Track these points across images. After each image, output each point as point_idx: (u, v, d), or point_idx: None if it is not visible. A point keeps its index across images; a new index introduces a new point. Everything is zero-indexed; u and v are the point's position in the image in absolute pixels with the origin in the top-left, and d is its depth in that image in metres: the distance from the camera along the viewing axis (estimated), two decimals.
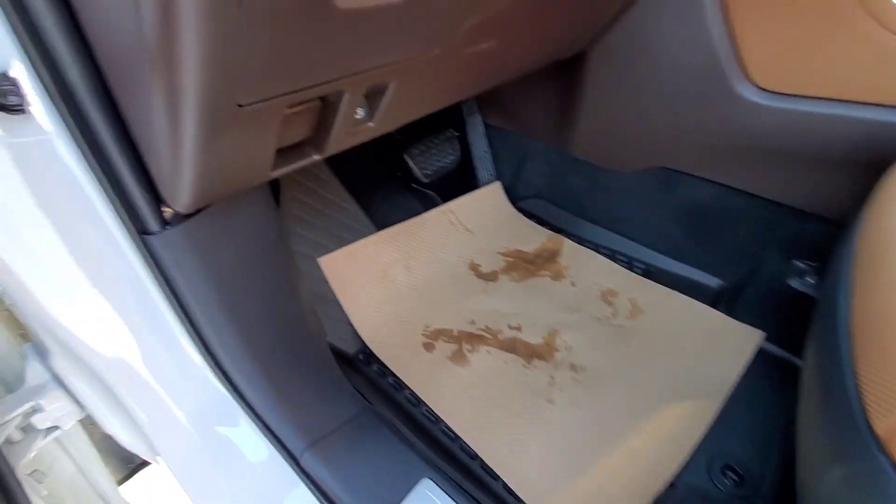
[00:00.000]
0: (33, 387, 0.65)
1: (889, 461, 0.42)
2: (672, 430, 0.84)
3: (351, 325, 1.03)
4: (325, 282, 1.05)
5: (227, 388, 0.69)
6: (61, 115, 0.49)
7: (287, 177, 1.04)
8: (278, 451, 0.70)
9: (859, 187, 0.74)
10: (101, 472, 0.83)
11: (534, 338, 1.03)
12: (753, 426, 0.89)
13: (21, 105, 0.49)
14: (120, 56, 0.45)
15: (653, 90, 1.02)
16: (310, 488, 0.68)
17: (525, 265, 1.22)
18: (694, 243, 1.13)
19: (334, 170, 1.28)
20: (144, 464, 0.98)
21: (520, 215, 1.36)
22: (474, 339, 1.03)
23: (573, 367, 0.96)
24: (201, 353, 0.67)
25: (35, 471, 0.68)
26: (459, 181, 1.39)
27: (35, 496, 0.65)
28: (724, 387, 0.92)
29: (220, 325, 0.66)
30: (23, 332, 0.74)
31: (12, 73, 0.48)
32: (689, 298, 1.09)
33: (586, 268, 1.20)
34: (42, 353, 0.66)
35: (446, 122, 1.38)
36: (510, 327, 1.05)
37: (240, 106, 0.45)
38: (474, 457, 0.83)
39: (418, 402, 0.91)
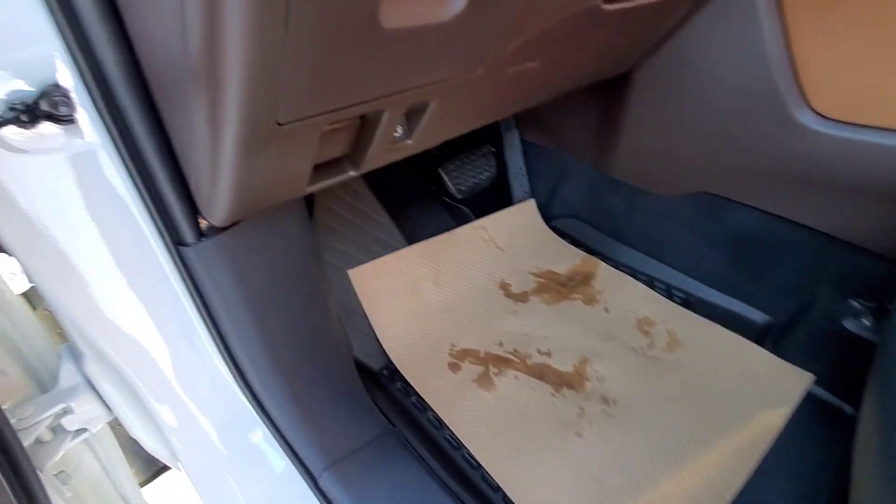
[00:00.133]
0: (65, 388, 0.66)
1: None
2: (709, 476, 0.79)
3: (377, 340, 1.02)
4: (354, 294, 1.04)
5: (251, 402, 0.69)
6: (107, 127, 0.50)
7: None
8: (297, 468, 0.69)
9: None
10: (125, 474, 0.84)
11: (564, 365, 0.99)
12: (798, 477, 0.82)
13: (71, 115, 0.50)
14: (165, 70, 0.45)
15: (701, 112, 0.98)
16: None
17: (557, 287, 1.19)
18: (739, 274, 1.07)
19: (368, 181, 1.28)
20: (167, 467, 0.99)
21: (554, 235, 1.33)
22: (501, 362, 1.00)
23: (604, 400, 0.92)
24: (227, 365, 0.66)
25: (61, 472, 0.69)
26: (493, 197, 1.36)
27: (58, 498, 0.66)
28: (767, 432, 0.86)
29: (248, 337, 0.66)
30: (60, 332, 0.76)
31: (64, 84, 0.48)
32: (732, 333, 1.03)
33: (622, 293, 1.16)
34: (76, 355, 0.67)
35: (483, 137, 1.36)
36: (539, 352, 1.02)
37: (279, 124, 0.45)
38: (496, 488, 0.80)
39: (441, 425, 0.89)
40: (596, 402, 0.92)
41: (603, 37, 0.77)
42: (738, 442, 0.84)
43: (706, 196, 1.07)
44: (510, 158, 1.36)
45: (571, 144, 1.30)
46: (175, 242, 0.58)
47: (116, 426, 0.79)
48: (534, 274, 1.22)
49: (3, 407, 0.64)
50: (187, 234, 0.58)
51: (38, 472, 0.64)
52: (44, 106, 0.48)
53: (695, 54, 0.93)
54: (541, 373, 0.97)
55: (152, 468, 0.97)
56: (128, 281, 0.59)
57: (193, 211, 0.57)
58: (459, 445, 0.85)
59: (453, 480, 0.81)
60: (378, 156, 0.63)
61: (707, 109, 0.97)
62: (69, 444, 0.67)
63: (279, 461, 0.70)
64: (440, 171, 1.28)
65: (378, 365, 1.00)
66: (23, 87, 0.47)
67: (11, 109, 0.46)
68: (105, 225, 0.55)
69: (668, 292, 1.15)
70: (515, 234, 1.29)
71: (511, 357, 1.01)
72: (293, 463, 0.69)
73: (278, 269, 0.69)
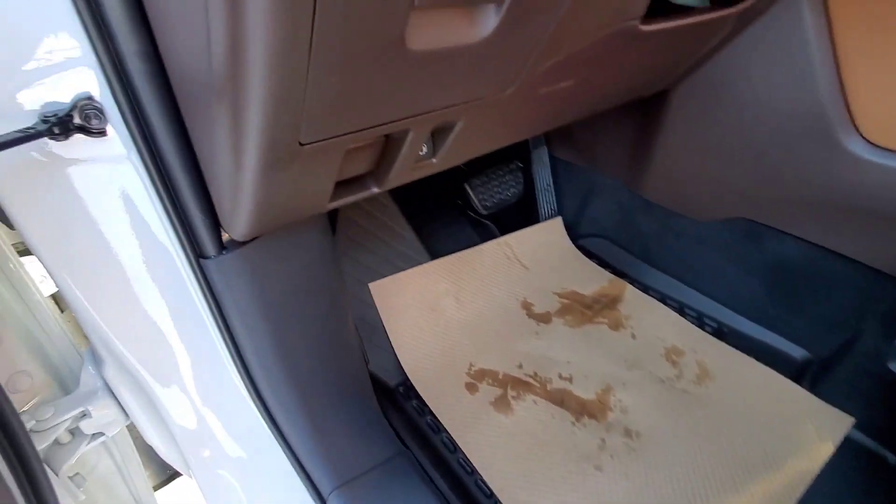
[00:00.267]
0: (86, 392, 0.67)
1: None
2: None
3: (395, 355, 1.00)
4: (374, 307, 1.04)
5: (263, 416, 0.68)
6: (134, 140, 0.50)
7: None
8: (306, 486, 0.68)
9: None
10: (139, 476, 0.85)
11: (586, 392, 0.95)
12: None
13: (102, 128, 0.50)
14: (191, 87, 0.45)
15: (742, 135, 0.93)
16: None
17: (581, 309, 1.15)
18: (777, 306, 1.02)
19: (392, 194, 1.27)
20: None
21: (580, 254, 1.29)
22: (521, 385, 0.97)
23: (627, 433, 0.88)
24: (242, 378, 0.66)
25: (76, 474, 0.70)
26: (520, 213, 1.34)
27: (71, 500, 0.67)
28: (802, 477, 0.80)
29: (264, 352, 0.65)
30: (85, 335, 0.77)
31: (97, 97, 0.49)
32: (768, 368, 0.97)
33: (649, 319, 1.11)
34: (97, 360, 0.67)
35: (511, 152, 1.34)
36: (560, 377, 0.98)
37: (301, 144, 0.44)
38: None
39: (455, 448, 0.86)
40: (618, 434, 0.88)
41: (640, 57, 0.74)
42: (769, 487, 0.79)
43: (744, 222, 1.02)
44: (538, 174, 1.34)
45: (602, 162, 1.27)
46: (196, 255, 0.58)
47: (133, 428, 0.80)
48: (558, 294, 1.19)
49: (24, 409, 0.66)
50: (209, 247, 0.58)
51: (53, 474, 0.65)
52: (76, 119, 0.49)
53: (737, 74, 0.90)
54: (561, 399, 0.94)
55: (167, 472, 0.98)
56: (148, 291, 0.59)
57: (216, 224, 0.57)
58: (473, 471, 0.83)
59: None
60: (402, 174, 0.62)
61: (748, 131, 0.93)
62: (86, 447, 0.68)
63: (289, 478, 0.69)
64: (466, 185, 1.26)
65: (394, 381, 0.99)
66: (56, 99, 0.47)
67: (44, 122, 0.47)
68: (128, 235, 0.55)
69: (700, 320, 1.10)
70: (540, 252, 1.26)
71: (531, 380, 0.98)
72: (302, 481, 0.68)
73: (298, 283, 0.68)
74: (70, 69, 0.47)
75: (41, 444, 0.63)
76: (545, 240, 1.29)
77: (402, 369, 0.99)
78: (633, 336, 1.08)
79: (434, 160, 0.65)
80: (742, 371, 0.98)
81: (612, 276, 1.23)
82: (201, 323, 0.63)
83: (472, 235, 1.29)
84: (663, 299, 1.16)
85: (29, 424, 0.61)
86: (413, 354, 1.01)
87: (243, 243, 0.60)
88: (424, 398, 0.93)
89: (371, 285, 1.05)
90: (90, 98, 0.50)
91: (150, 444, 0.75)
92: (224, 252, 0.59)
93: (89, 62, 0.47)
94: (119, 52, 0.46)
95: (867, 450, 0.87)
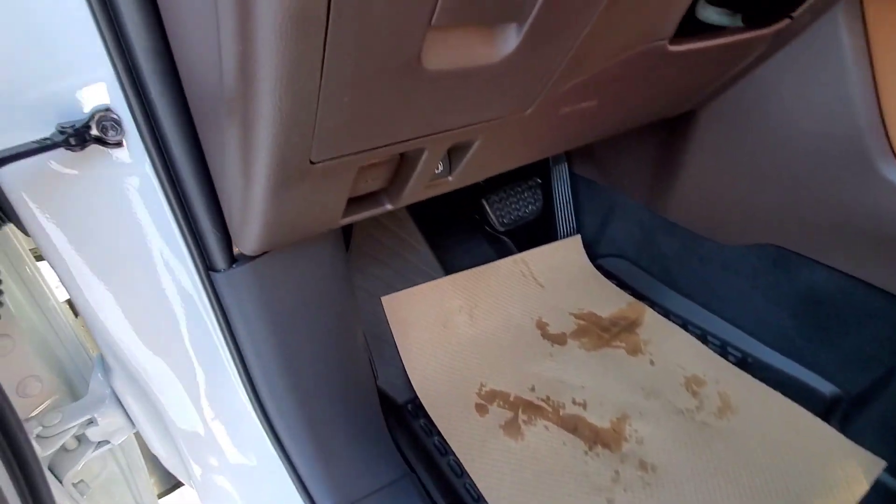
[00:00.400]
0: (94, 399, 0.67)
1: None
2: None
3: (405, 372, 0.98)
4: (386, 322, 1.02)
5: (267, 432, 0.67)
6: (148, 152, 0.50)
7: None
8: None
9: None
10: (144, 483, 0.85)
11: (600, 420, 0.92)
12: None
13: (119, 140, 0.51)
14: (204, 102, 0.44)
15: (773, 158, 0.90)
16: None
17: (598, 332, 1.12)
18: (807, 338, 0.97)
19: (408, 207, 1.26)
20: None
21: (598, 274, 1.26)
22: (532, 409, 0.94)
23: (642, 465, 0.84)
24: (247, 393, 0.65)
25: (81, 481, 0.70)
26: (538, 230, 1.32)
27: None
28: None
29: (270, 367, 0.64)
30: None
31: (115, 110, 0.49)
32: (794, 404, 0.92)
33: (669, 345, 1.07)
34: (105, 368, 0.67)
35: (531, 168, 1.32)
36: (574, 402, 0.95)
37: (312, 163, 0.43)
38: None
39: (462, 472, 0.84)
40: (633, 466, 0.84)
41: (667, 77, 0.72)
42: None
43: (773, 248, 0.98)
44: (557, 191, 1.32)
45: (624, 181, 1.24)
46: (206, 268, 0.57)
47: (140, 436, 0.80)
48: (574, 315, 1.16)
49: (32, 414, 0.66)
50: (219, 260, 0.57)
51: (57, 481, 0.65)
52: (94, 130, 0.49)
53: (769, 94, 0.86)
54: (574, 426, 0.91)
55: (172, 480, 0.98)
56: (158, 302, 0.59)
57: (227, 238, 0.57)
58: (479, 498, 0.80)
59: None
60: (417, 192, 0.61)
61: (780, 154, 0.89)
62: (91, 455, 0.68)
63: (291, 497, 0.67)
64: (483, 201, 1.25)
65: (403, 398, 0.97)
66: (74, 110, 0.48)
67: (62, 132, 0.47)
68: (139, 246, 0.55)
69: (723, 349, 1.06)
70: (558, 270, 1.23)
71: (543, 405, 0.95)
72: (304, 501, 0.67)
73: (307, 298, 0.67)
74: (89, 81, 0.47)
75: (48, 451, 0.63)
76: (563, 258, 1.26)
77: (412, 386, 0.97)
78: (652, 362, 1.04)
79: (450, 178, 0.64)
80: (766, 405, 0.93)
81: (631, 298, 1.19)
82: (209, 335, 0.62)
83: (488, 251, 1.27)
84: (685, 325, 1.11)
85: (36, 430, 0.61)
86: (423, 372, 0.99)
87: (254, 257, 0.60)
88: (433, 418, 0.91)
89: (383, 299, 1.04)
90: (108, 109, 0.50)
91: (154, 453, 0.74)
92: (234, 265, 0.58)
93: (107, 75, 0.47)
94: (137, 66, 0.46)
95: None
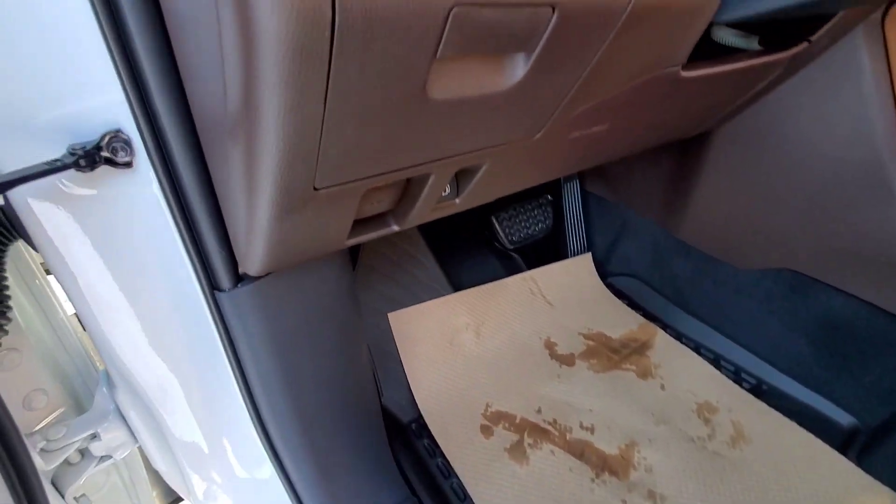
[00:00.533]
0: (97, 414, 0.67)
1: None
2: None
3: (410, 390, 0.97)
4: (392, 339, 1.01)
5: (268, 452, 0.66)
6: (157, 173, 0.50)
7: None
8: None
9: None
10: (146, 497, 0.85)
11: (608, 446, 0.90)
12: None
13: (128, 161, 0.51)
14: (210, 126, 0.44)
15: (790, 181, 0.88)
16: None
17: (608, 353, 1.10)
18: (823, 367, 0.94)
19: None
20: None
21: (609, 294, 1.24)
22: (538, 432, 0.92)
23: (651, 495, 0.82)
24: (249, 414, 0.65)
25: (82, 496, 0.70)
26: (548, 247, 1.30)
27: None
28: None
29: (272, 387, 0.64)
30: None
31: (126, 131, 0.50)
32: (810, 435, 0.89)
33: (681, 369, 1.05)
34: (110, 383, 0.68)
35: (541, 185, 1.31)
36: (582, 426, 0.93)
37: (316, 189, 0.43)
38: None
39: (464, 496, 0.82)
40: (641, 495, 0.82)
41: (680, 101, 0.71)
42: None
43: (790, 273, 0.95)
44: (568, 208, 1.30)
45: (637, 200, 1.22)
46: (212, 287, 0.57)
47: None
48: (583, 335, 1.14)
49: (37, 428, 0.66)
50: (224, 280, 0.57)
51: (59, 495, 0.65)
52: (104, 151, 0.49)
53: (786, 117, 0.85)
54: (581, 451, 0.89)
55: (174, 494, 0.97)
56: (163, 320, 0.59)
57: (232, 258, 0.56)
58: None
59: None
60: (424, 214, 0.60)
61: (797, 178, 0.87)
62: (93, 469, 0.68)
63: None
64: (493, 218, 1.24)
65: (408, 417, 0.96)
66: (85, 132, 0.48)
67: (72, 154, 0.48)
68: (146, 264, 0.55)
69: (737, 375, 1.03)
70: (567, 289, 1.22)
71: (549, 428, 0.93)
72: None
73: (312, 318, 0.67)
74: (100, 103, 0.47)
75: (51, 465, 0.63)
76: (573, 276, 1.25)
77: (417, 406, 0.96)
78: (663, 387, 1.01)
79: (457, 201, 0.63)
80: (781, 435, 0.90)
81: (642, 319, 1.17)
82: (213, 354, 0.62)
83: (497, 269, 1.26)
84: (697, 349, 1.09)
85: (40, 444, 0.62)
86: (428, 390, 0.98)
87: (259, 277, 0.60)
88: (437, 439, 0.90)
89: (390, 315, 1.03)
90: (118, 131, 0.50)
91: (156, 468, 0.74)
92: (239, 285, 0.58)
93: (118, 97, 0.47)
94: (147, 89, 0.46)
95: None
